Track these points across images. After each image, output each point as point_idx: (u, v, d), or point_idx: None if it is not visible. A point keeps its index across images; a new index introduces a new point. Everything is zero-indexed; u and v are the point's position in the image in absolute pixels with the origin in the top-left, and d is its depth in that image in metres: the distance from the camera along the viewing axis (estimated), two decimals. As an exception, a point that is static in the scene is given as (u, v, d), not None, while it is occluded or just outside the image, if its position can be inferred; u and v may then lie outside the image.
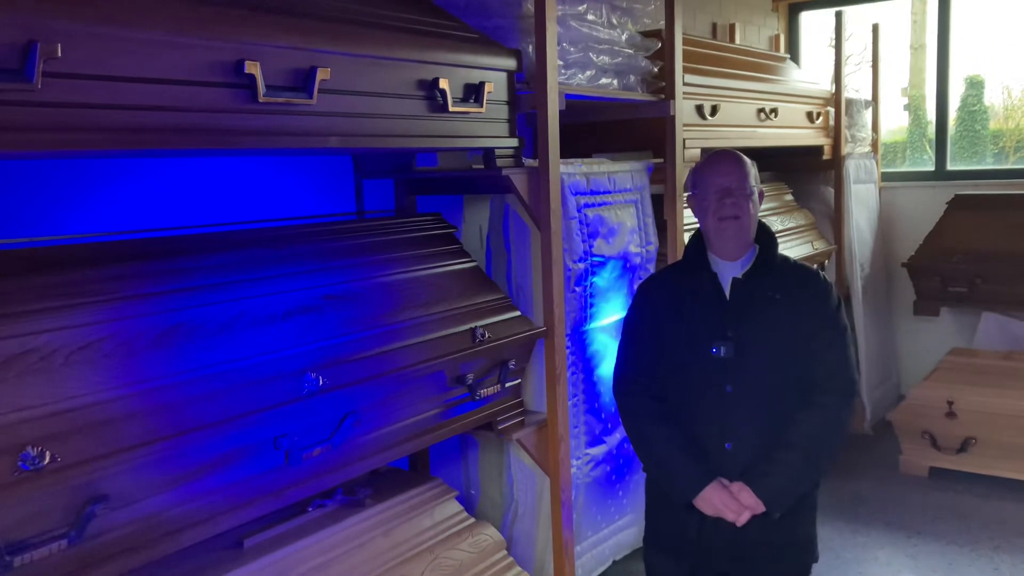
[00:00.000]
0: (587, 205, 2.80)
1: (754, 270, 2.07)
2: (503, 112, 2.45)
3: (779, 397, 2.03)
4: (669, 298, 2.13)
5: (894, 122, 5.94)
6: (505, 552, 2.40)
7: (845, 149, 4.61)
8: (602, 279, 2.87)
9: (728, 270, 2.08)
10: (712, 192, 2.04)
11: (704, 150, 3.35)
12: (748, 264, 2.08)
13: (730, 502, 2.00)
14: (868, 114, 4.96)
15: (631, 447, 3.06)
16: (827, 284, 2.12)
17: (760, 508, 1.99)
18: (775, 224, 4.08)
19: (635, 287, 3.03)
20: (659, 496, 2.17)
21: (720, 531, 2.03)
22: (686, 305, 2.09)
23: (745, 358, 2.00)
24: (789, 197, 4.53)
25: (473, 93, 2.30)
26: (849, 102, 4.67)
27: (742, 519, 2.00)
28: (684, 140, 3.20)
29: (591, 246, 2.81)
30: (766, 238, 2.12)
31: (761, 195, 2.12)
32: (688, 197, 2.16)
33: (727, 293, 2.06)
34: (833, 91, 4.57)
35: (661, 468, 2.11)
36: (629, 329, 2.22)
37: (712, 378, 2.02)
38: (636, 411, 2.13)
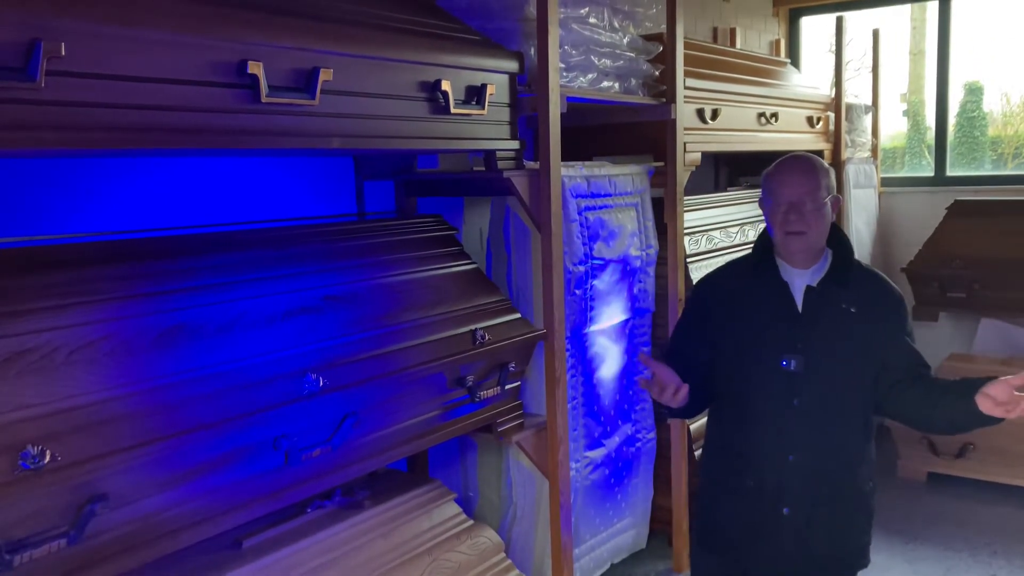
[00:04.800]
0: (588, 208, 2.80)
1: (828, 279, 1.97)
2: (504, 114, 2.45)
3: (844, 411, 1.96)
4: (728, 300, 2.03)
5: (893, 127, 5.94)
6: (503, 554, 2.40)
7: (845, 154, 4.62)
8: (602, 282, 2.87)
9: (799, 278, 1.98)
10: (779, 204, 1.94)
11: (705, 154, 3.35)
12: (821, 272, 1.98)
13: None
14: (868, 119, 4.96)
15: (630, 449, 3.04)
16: (901, 298, 2.02)
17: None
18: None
19: (635, 290, 3.04)
20: (718, 494, 2.07)
21: (785, 538, 1.96)
22: (749, 310, 1.99)
23: (814, 372, 1.92)
24: (789, 201, 4.53)
25: (475, 95, 2.30)
26: (849, 107, 4.68)
27: None
28: (685, 144, 3.20)
29: (591, 249, 2.81)
30: (840, 243, 2.00)
31: (836, 202, 1.98)
32: (760, 201, 2.04)
33: (799, 303, 1.96)
34: (833, 96, 4.58)
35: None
36: (677, 332, 2.17)
37: (779, 390, 1.94)
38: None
